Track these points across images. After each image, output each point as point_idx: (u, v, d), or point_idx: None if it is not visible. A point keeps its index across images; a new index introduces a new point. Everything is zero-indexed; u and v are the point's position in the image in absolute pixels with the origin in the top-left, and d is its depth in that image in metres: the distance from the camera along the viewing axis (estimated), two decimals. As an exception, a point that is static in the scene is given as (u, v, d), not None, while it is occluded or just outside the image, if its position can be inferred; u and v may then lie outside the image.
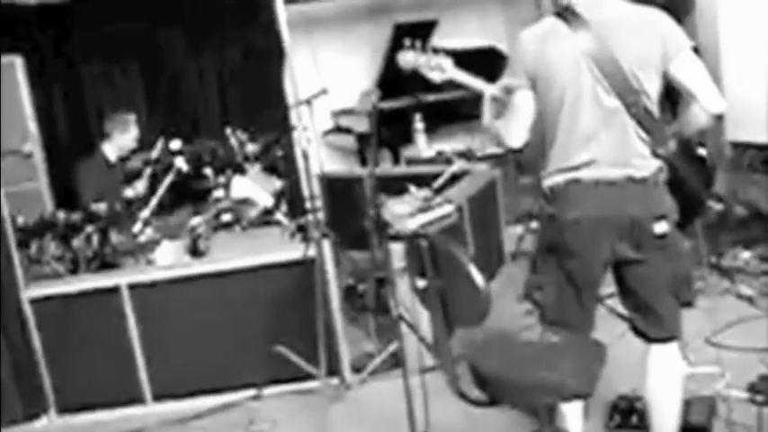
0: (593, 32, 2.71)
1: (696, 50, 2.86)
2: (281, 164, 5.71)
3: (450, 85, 3.21)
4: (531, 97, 2.83)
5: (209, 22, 6.52)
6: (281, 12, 4.12)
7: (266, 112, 5.78)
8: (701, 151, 3.24)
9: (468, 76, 3.14)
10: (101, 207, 4.88)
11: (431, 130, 7.90)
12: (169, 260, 4.73)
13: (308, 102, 4.37)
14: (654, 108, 2.78)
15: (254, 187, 5.35)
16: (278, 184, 5.48)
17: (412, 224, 4.31)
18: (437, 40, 8.02)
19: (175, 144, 5.35)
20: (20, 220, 4.77)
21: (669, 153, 2.84)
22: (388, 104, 7.58)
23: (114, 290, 4.31)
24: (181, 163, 5.25)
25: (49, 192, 5.98)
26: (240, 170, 5.62)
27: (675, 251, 2.86)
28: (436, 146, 7.94)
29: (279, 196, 5.41)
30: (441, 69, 3.13)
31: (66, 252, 4.75)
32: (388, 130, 7.43)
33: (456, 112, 7.86)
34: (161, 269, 4.54)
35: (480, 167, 6.13)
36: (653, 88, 2.77)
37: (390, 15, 8.24)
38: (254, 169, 5.62)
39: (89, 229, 4.78)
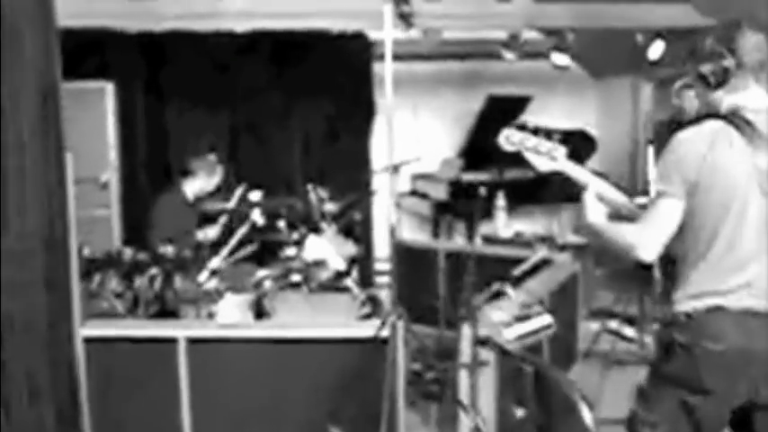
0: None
1: None
2: (357, 228, 5.51)
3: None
4: (681, 209, 2.51)
5: (306, 78, 6.43)
6: (388, 72, 3.91)
7: (350, 172, 5.62)
8: None
9: (581, 170, 2.84)
10: (168, 250, 4.74)
11: (509, 208, 7.66)
12: (231, 315, 4.53)
13: (396, 168, 4.17)
14: None
15: (329, 249, 5.13)
16: (352, 249, 5.26)
17: (509, 334, 3.91)
18: (525, 116, 7.89)
19: (254, 195, 5.20)
20: (86, 250, 4.64)
21: None
22: (469, 176, 7.43)
23: (171, 341, 4.12)
24: (257, 216, 5.07)
25: (119, 221, 5.86)
26: (315, 229, 5.43)
27: None
28: (514, 225, 7.69)
29: (351, 262, 5.19)
30: (551, 158, 2.83)
31: (127, 290, 4.62)
32: (466, 202, 7.23)
33: (537, 192, 7.63)
34: (223, 327, 4.34)
35: (561, 257, 5.83)
36: None
37: (482, 85, 8.11)
38: (331, 230, 5.41)
39: (154, 270, 4.63)
